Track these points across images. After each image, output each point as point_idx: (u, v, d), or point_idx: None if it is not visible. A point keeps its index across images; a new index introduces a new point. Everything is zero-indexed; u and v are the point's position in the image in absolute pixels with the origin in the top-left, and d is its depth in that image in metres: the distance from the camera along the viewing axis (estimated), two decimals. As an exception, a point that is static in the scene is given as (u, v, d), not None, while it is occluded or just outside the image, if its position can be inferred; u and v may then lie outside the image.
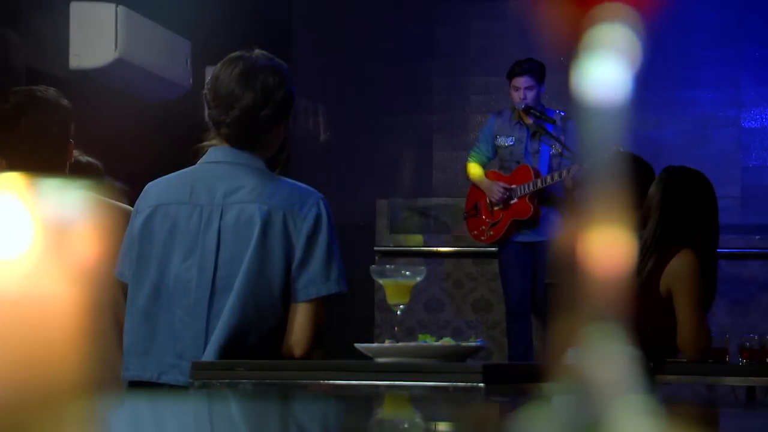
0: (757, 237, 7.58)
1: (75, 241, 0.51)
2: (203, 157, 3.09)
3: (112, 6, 5.92)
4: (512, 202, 7.03)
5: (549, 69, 6.95)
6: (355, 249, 7.03)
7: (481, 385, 2.55)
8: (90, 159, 4.33)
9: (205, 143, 3.10)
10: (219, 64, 3.07)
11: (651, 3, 0.51)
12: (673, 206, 3.99)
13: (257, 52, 3.08)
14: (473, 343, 2.82)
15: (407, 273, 2.94)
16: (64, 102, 3.39)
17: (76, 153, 4.22)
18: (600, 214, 0.53)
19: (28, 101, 3.35)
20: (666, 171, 4.12)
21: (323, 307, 3.05)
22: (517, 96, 6.99)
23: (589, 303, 0.53)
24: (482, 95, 8.39)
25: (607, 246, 0.53)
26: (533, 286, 7.01)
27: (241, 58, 3.05)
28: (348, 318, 7.05)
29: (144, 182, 3.16)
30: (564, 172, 6.77)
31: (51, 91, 3.39)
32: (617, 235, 0.53)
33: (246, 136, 3.04)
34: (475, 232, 7.20)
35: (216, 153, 3.06)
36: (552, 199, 6.96)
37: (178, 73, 6.54)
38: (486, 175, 7.16)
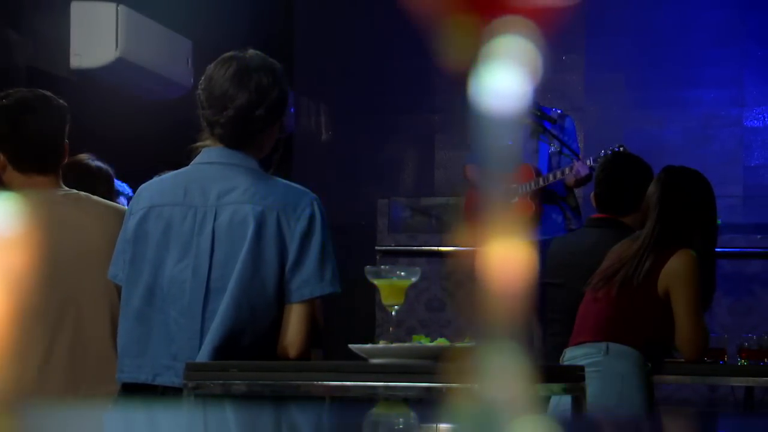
0: (759, 236, 7.56)
1: (4, 250, 0.51)
2: (197, 157, 3.08)
3: (113, 5, 5.92)
4: (513, 201, 7.02)
5: (547, 68, 6.93)
6: (356, 248, 7.03)
7: (476, 386, 2.54)
8: (100, 164, 4.33)
9: (198, 144, 3.09)
10: (212, 65, 3.06)
11: (551, 16, 0.51)
12: (671, 206, 3.98)
13: (251, 52, 3.07)
14: (468, 344, 2.81)
15: (402, 273, 2.93)
16: (60, 102, 3.41)
17: (85, 157, 4.23)
18: (498, 228, 0.52)
19: (25, 101, 3.37)
20: (664, 171, 4.11)
21: (319, 307, 3.04)
22: (516, 95, 6.97)
23: (488, 318, 0.53)
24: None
25: (505, 261, 0.52)
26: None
27: (235, 58, 3.04)
28: (349, 317, 7.05)
29: (145, 182, 3.16)
30: (567, 170, 6.76)
31: (46, 92, 3.42)
32: (516, 250, 0.53)
33: (240, 136, 3.03)
34: (474, 231, 7.19)
35: (209, 154, 3.05)
36: (553, 198, 6.94)
37: (179, 73, 6.53)
38: (487, 174, 7.15)
